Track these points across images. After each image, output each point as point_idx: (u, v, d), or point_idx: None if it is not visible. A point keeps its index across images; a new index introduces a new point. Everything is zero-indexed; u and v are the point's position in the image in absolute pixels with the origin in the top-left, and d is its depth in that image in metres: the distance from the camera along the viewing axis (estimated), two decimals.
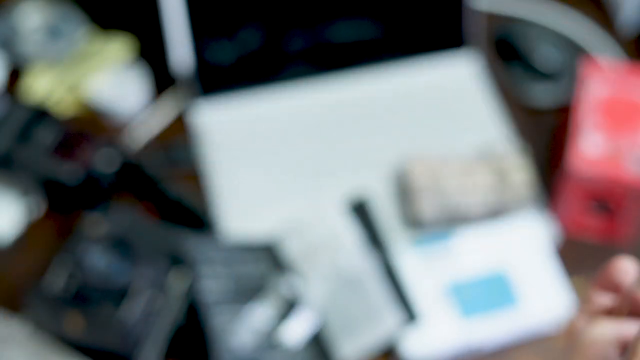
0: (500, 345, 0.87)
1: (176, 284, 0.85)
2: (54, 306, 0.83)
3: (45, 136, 0.93)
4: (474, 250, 0.90)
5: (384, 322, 0.84)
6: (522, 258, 0.90)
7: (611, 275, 0.45)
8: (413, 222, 0.92)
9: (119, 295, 0.82)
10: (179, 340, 0.85)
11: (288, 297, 0.86)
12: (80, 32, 1.07)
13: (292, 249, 0.89)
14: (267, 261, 0.89)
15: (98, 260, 0.84)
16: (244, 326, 0.84)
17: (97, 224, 0.87)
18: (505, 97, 1.06)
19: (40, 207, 0.95)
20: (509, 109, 1.05)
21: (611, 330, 0.42)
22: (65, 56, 1.05)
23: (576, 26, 1.12)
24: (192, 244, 0.86)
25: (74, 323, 0.82)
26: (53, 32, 1.06)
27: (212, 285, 0.85)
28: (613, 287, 0.44)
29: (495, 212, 0.92)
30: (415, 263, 0.89)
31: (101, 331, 0.81)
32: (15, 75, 1.05)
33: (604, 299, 0.45)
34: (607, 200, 0.90)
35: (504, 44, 1.10)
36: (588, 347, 0.41)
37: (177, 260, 0.85)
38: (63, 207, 0.95)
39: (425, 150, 0.98)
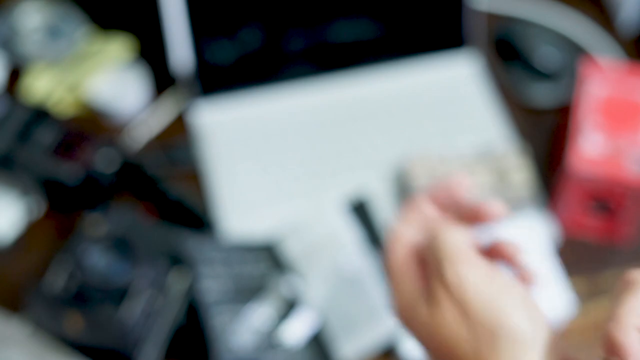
0: None
1: (176, 284, 0.85)
2: (54, 306, 0.83)
3: (45, 136, 0.93)
4: None
5: (384, 322, 0.84)
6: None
7: (445, 190, 0.51)
8: None
9: (119, 295, 0.82)
10: (179, 340, 0.85)
11: (288, 297, 0.86)
12: (80, 32, 1.07)
13: (292, 249, 0.89)
14: (267, 261, 0.89)
15: (98, 260, 0.84)
16: (244, 326, 0.84)
17: (97, 224, 0.87)
18: (505, 97, 1.06)
19: (40, 207, 0.95)
20: (509, 109, 1.05)
21: (465, 235, 0.48)
22: (65, 56, 1.05)
23: (576, 26, 1.12)
24: (192, 244, 0.86)
25: (74, 323, 0.82)
26: (53, 32, 1.06)
27: (212, 285, 0.85)
28: (445, 201, 0.51)
29: None
30: None
31: (101, 331, 0.81)
32: (15, 75, 1.05)
33: (429, 210, 0.52)
34: (607, 200, 0.90)
35: (504, 44, 1.10)
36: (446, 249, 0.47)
37: (177, 260, 0.85)
38: (63, 207, 0.95)
39: (425, 150, 0.98)
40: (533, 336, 0.43)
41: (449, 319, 0.45)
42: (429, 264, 0.47)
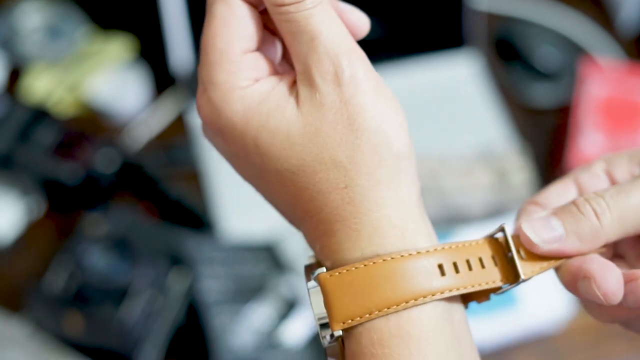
0: (500, 345, 0.87)
1: (176, 284, 0.85)
2: (54, 306, 0.83)
3: (45, 136, 0.93)
4: None
5: None
6: None
7: None
8: None
9: (119, 295, 0.82)
10: (179, 340, 0.85)
11: (288, 297, 0.86)
12: (80, 32, 1.07)
13: (292, 249, 0.89)
14: (267, 261, 0.89)
15: (98, 260, 0.84)
16: (244, 326, 0.84)
17: (97, 224, 0.87)
18: (505, 97, 1.06)
19: (40, 207, 0.95)
20: (509, 109, 1.05)
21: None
22: (65, 56, 1.05)
23: (576, 26, 1.12)
24: (192, 244, 0.86)
25: (74, 323, 0.82)
26: (53, 32, 1.06)
27: (212, 285, 0.85)
28: None
29: (495, 212, 0.92)
30: None
31: (101, 331, 0.81)
32: (15, 75, 1.05)
33: None
34: None
35: (504, 44, 1.10)
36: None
37: (177, 260, 0.85)
38: (63, 207, 0.95)
39: (425, 150, 0.98)
40: (412, 160, 0.37)
41: (328, 129, 0.36)
42: (297, 50, 0.37)
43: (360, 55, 0.39)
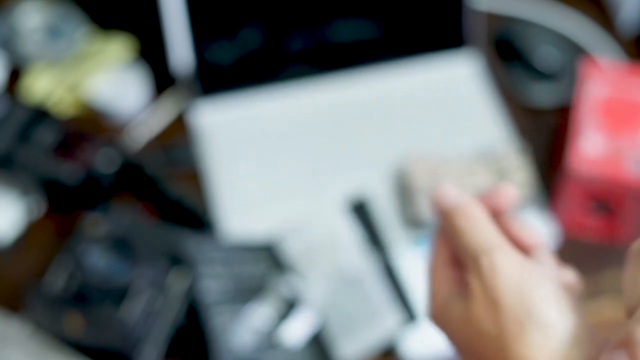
0: None
1: (176, 284, 0.85)
2: (54, 306, 0.83)
3: (45, 136, 0.93)
4: None
5: (384, 322, 0.84)
6: None
7: (489, 198, 0.51)
8: (413, 222, 0.92)
9: (119, 295, 0.82)
10: (179, 340, 0.85)
11: (288, 297, 0.86)
12: (80, 32, 1.07)
13: (292, 249, 0.89)
14: (267, 261, 0.89)
15: (98, 260, 0.84)
16: (244, 326, 0.84)
17: (97, 224, 0.87)
18: (505, 97, 1.06)
19: (40, 207, 0.95)
20: (509, 109, 1.05)
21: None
22: (65, 56, 1.05)
23: (576, 26, 1.12)
24: (192, 244, 0.86)
25: (74, 323, 0.82)
26: (53, 32, 1.06)
27: (212, 285, 0.85)
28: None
29: None
30: (415, 263, 0.89)
31: (101, 331, 0.81)
32: (15, 75, 1.05)
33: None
34: (607, 200, 0.90)
35: (504, 44, 1.10)
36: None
37: (177, 260, 0.85)
38: (63, 207, 0.95)
39: (426, 150, 0.98)
40: (562, 328, 0.42)
41: (479, 310, 0.44)
42: (465, 258, 0.48)
43: (500, 246, 0.46)
